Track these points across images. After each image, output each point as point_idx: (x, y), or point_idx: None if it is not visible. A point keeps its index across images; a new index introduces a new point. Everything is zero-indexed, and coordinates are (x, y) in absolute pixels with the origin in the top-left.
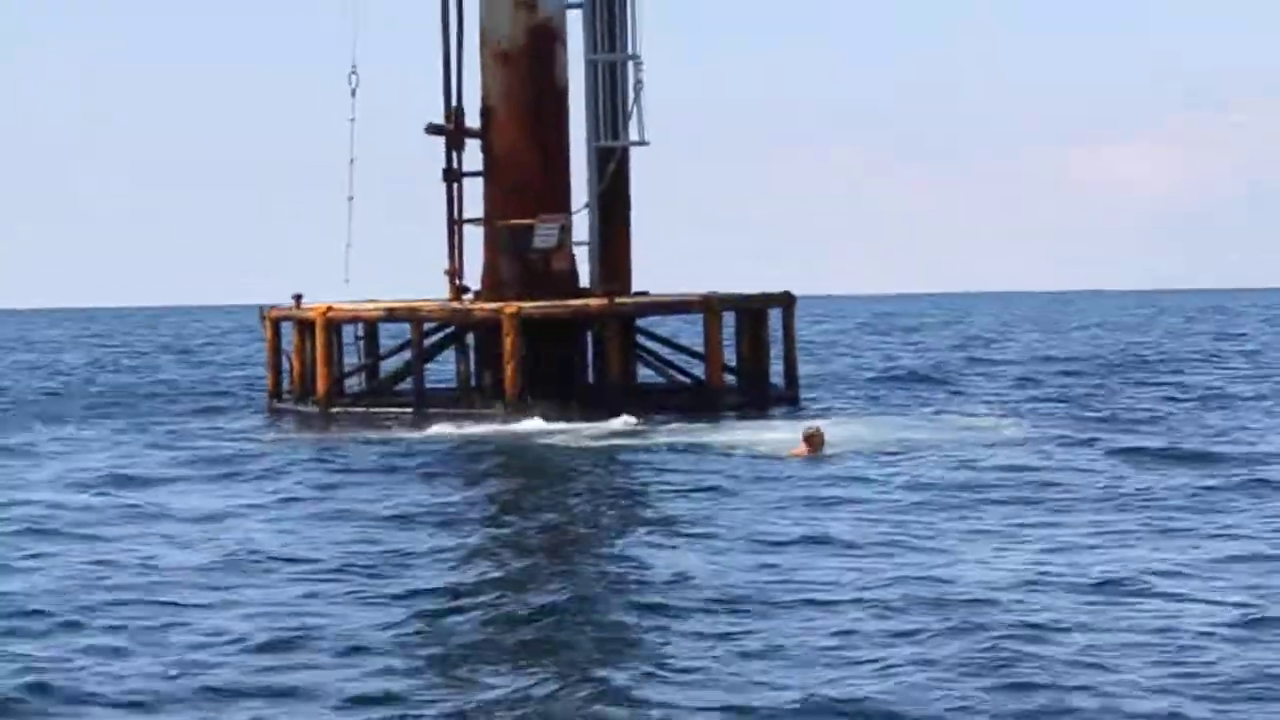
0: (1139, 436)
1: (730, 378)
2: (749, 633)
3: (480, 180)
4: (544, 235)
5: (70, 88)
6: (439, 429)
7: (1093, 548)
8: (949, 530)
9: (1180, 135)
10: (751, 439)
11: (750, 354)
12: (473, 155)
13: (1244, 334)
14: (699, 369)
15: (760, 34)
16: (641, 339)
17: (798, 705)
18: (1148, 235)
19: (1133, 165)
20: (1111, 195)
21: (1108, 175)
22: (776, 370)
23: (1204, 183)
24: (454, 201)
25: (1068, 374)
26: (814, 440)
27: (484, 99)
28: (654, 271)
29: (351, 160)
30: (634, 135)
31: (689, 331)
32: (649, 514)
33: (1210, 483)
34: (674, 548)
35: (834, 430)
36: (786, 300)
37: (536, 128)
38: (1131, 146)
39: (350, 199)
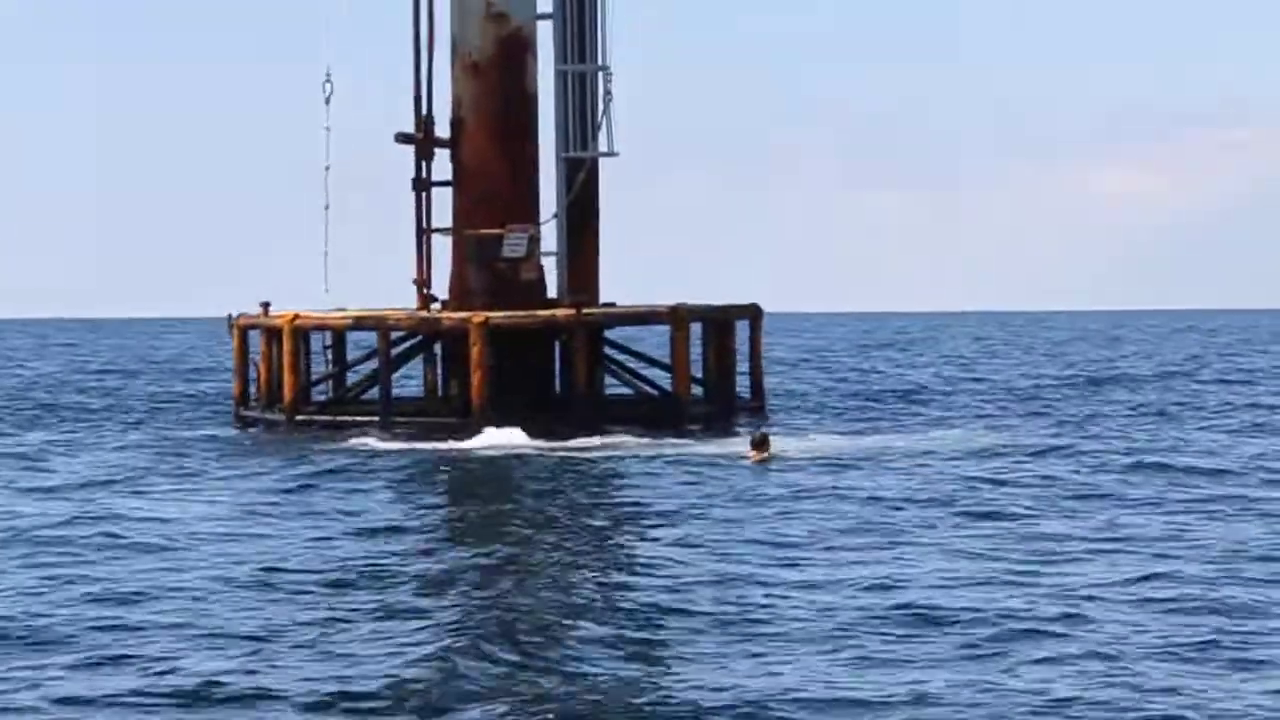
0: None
1: (697, 389)
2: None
3: (450, 190)
4: (512, 245)
5: (46, 91)
6: (393, 444)
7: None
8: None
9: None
10: (711, 452)
11: (716, 365)
12: (443, 165)
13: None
14: (666, 380)
15: (733, 45)
16: (609, 350)
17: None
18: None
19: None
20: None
21: (1087, 194)
22: (743, 383)
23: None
24: (423, 211)
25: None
26: (761, 446)
27: (454, 109)
28: (622, 283)
29: (327, 168)
30: (603, 146)
31: (656, 343)
32: (599, 531)
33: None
34: (622, 561)
35: (793, 442)
36: (753, 312)
37: (506, 138)
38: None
39: (326, 208)
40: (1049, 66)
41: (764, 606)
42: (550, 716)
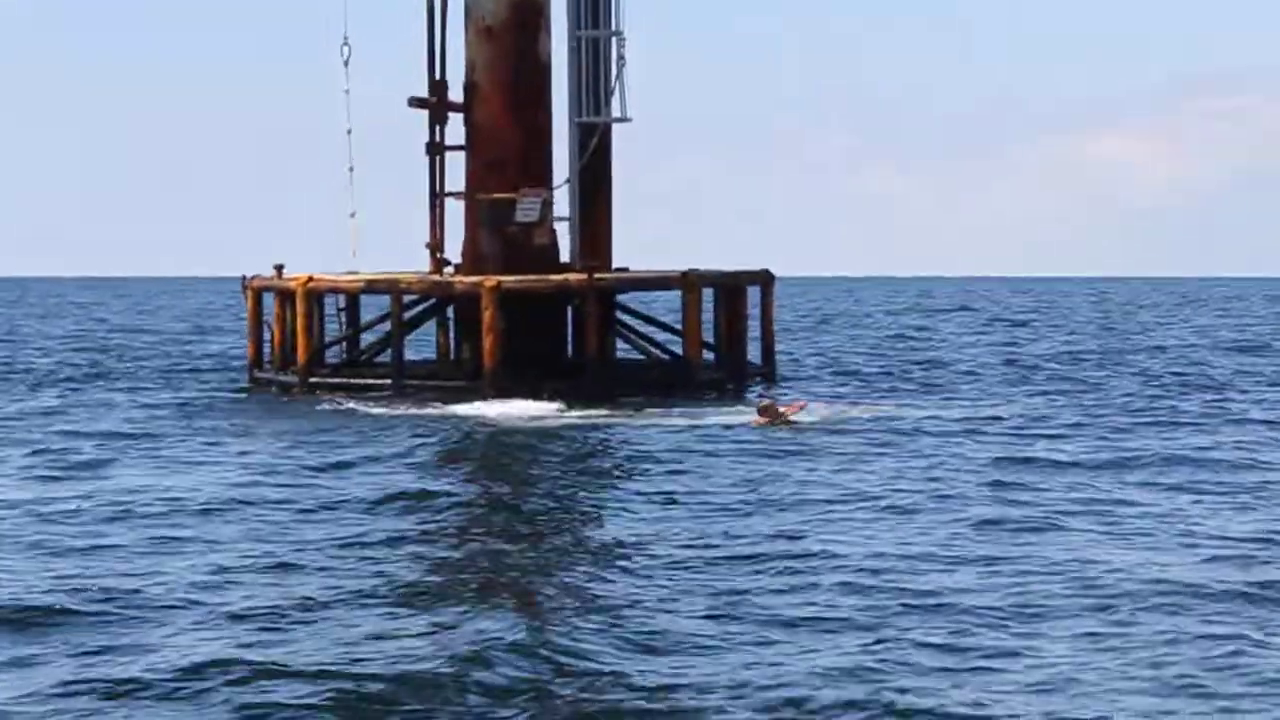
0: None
1: (708, 354)
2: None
3: (463, 154)
4: (525, 210)
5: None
6: (404, 409)
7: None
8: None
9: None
10: (721, 421)
11: (728, 331)
12: (456, 130)
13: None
14: (678, 345)
15: (752, 12)
16: (621, 315)
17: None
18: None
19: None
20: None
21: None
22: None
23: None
24: (436, 175)
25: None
26: (768, 411)
27: (467, 73)
28: (634, 249)
29: (349, 130)
30: (616, 111)
31: (667, 309)
32: (606, 498)
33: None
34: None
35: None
36: (765, 278)
37: (519, 103)
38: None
39: (351, 170)
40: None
41: (755, 583)
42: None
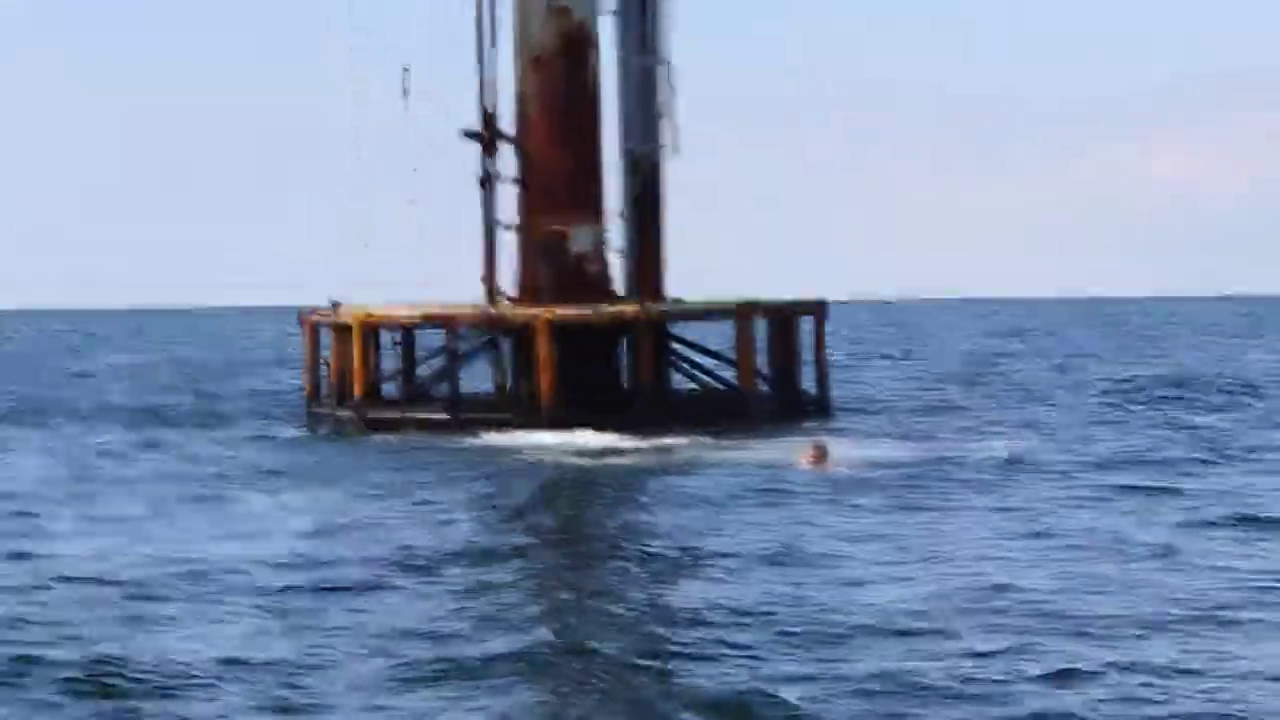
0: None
1: (763, 385)
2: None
3: (516, 186)
4: (579, 240)
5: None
6: (460, 440)
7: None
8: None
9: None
10: (773, 458)
11: (781, 361)
12: (509, 161)
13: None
14: (732, 375)
15: (794, 33)
16: (675, 345)
17: None
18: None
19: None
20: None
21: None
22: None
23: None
24: (489, 206)
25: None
26: (819, 455)
27: (518, 103)
28: (687, 277)
29: (414, 170)
30: (666, 139)
31: (719, 339)
32: (656, 541)
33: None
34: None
35: (854, 450)
36: (818, 308)
37: (570, 132)
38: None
39: (412, 203)
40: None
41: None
42: None
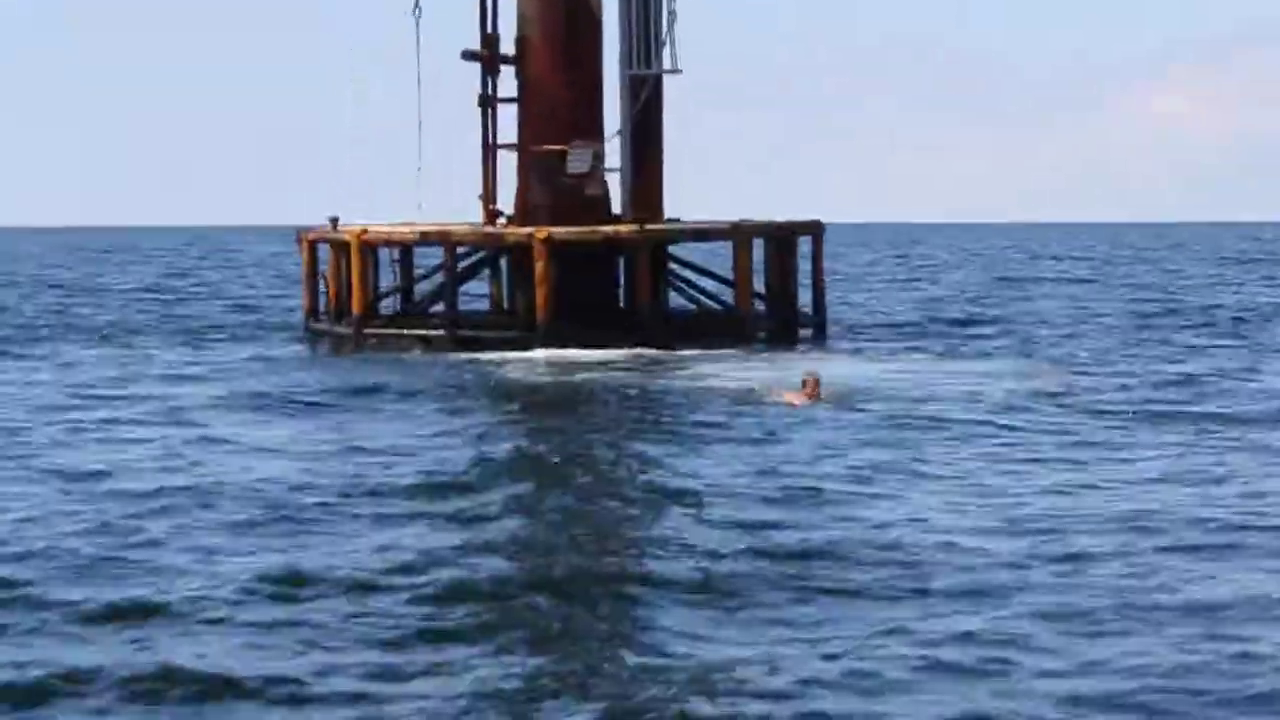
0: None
1: (760, 304)
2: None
3: (515, 106)
4: (577, 161)
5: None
6: (458, 355)
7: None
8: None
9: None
10: (770, 377)
11: (779, 281)
12: (509, 82)
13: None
14: (729, 295)
15: None
16: (672, 265)
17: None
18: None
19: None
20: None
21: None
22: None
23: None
24: (488, 127)
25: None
26: (809, 387)
27: (519, 25)
28: (685, 200)
29: (419, 81)
30: (667, 63)
31: (719, 259)
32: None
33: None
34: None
35: (848, 368)
36: (815, 229)
37: (570, 55)
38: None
39: (420, 125)
40: None
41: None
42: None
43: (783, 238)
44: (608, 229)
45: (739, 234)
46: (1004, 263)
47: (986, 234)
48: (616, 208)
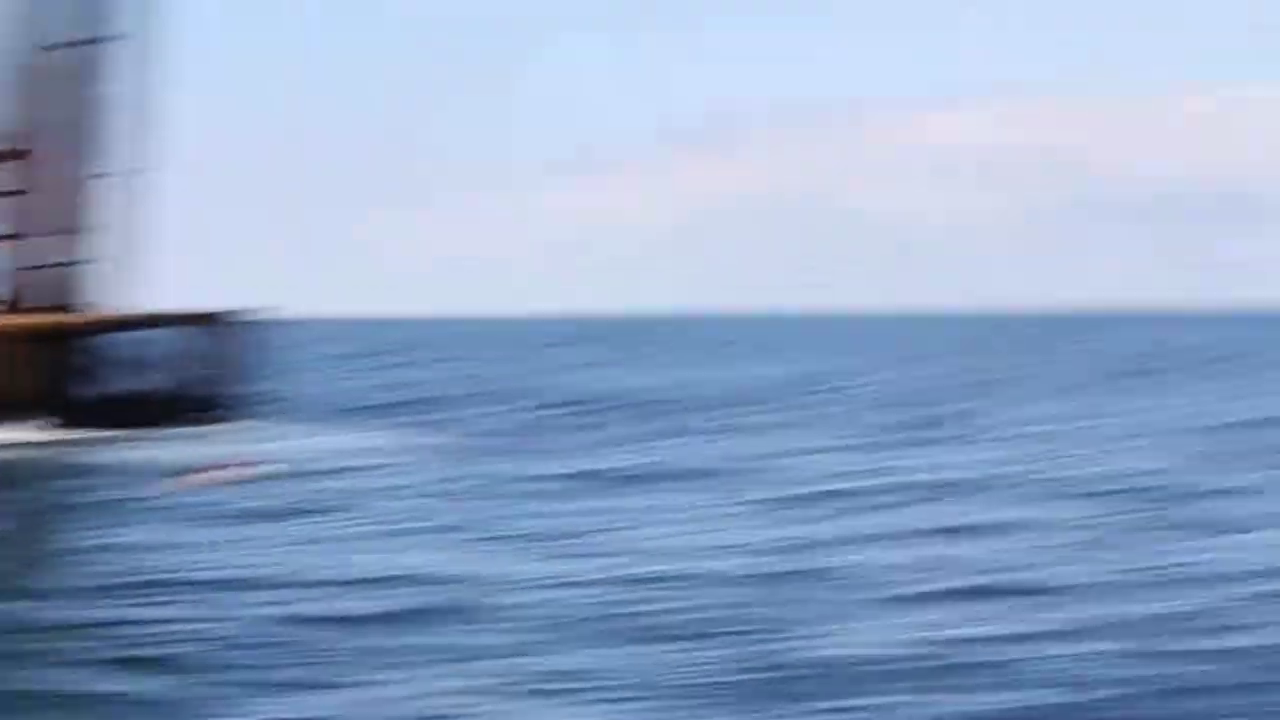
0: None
1: (198, 390)
2: None
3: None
4: (53, 253)
5: None
6: None
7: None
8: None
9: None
10: (172, 456)
11: (203, 368)
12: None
13: None
14: (168, 377)
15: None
16: (110, 352)
17: None
18: None
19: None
20: None
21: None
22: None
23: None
24: None
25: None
26: (206, 476)
27: (20, 121)
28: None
29: None
30: (155, 158)
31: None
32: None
33: None
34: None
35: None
36: (240, 319)
37: (63, 151)
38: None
39: None
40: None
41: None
42: None
43: (207, 327)
44: (52, 319)
45: (160, 322)
46: None
47: None
48: (107, 296)
